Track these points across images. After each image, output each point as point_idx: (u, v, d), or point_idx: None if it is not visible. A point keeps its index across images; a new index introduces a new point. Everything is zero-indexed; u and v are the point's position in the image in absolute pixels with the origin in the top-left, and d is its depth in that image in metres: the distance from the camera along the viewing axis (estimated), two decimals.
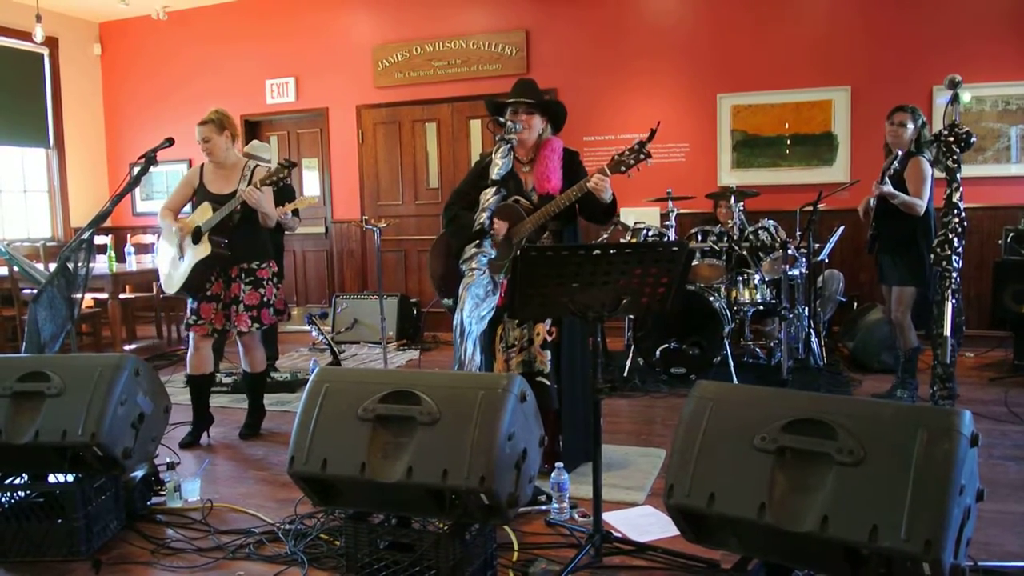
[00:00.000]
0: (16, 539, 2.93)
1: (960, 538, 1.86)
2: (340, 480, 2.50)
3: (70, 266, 3.75)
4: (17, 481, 3.04)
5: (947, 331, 2.60)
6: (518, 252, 2.61)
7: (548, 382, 3.53)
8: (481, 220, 3.36)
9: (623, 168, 3.25)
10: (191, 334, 4.27)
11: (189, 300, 4.25)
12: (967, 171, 6.11)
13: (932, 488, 1.82)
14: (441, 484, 2.35)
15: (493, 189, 3.40)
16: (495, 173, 3.41)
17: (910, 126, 4.49)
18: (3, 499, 2.98)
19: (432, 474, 2.36)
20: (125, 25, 9.01)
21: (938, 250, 2.72)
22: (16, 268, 5.34)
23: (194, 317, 4.21)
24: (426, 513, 2.56)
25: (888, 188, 4.36)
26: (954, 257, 2.67)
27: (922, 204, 4.42)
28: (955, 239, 2.67)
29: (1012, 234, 5.78)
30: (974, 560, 2.51)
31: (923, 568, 1.79)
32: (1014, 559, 2.64)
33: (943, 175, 2.87)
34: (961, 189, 2.75)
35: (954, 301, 2.63)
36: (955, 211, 2.69)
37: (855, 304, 6.34)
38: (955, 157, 2.70)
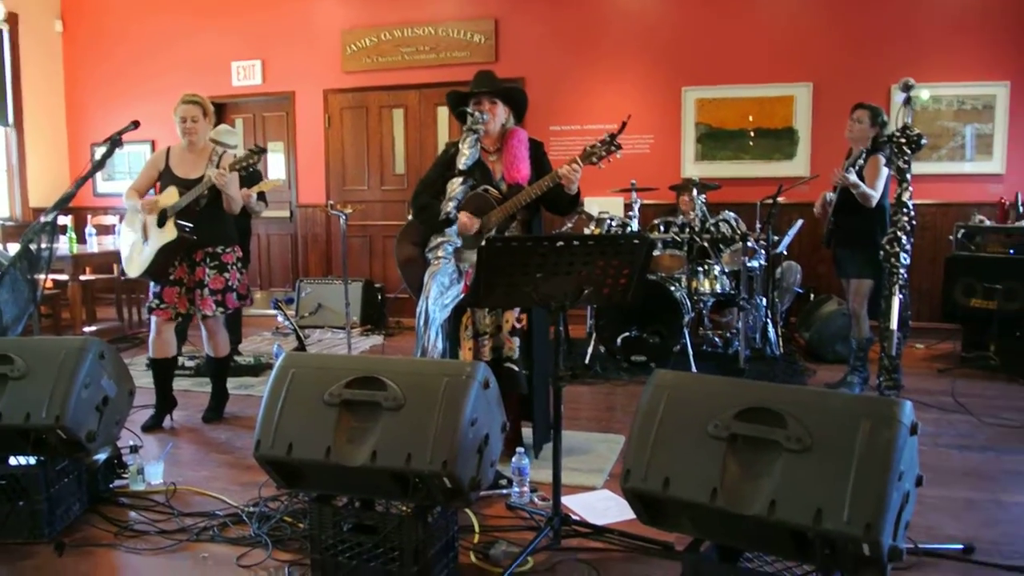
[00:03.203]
0: None
1: (899, 521, 1.95)
2: (305, 464, 2.54)
3: (33, 247, 3.72)
4: None
5: (893, 324, 2.71)
6: (484, 242, 2.66)
7: (516, 368, 3.59)
8: (448, 210, 3.40)
9: (594, 159, 3.32)
10: (153, 318, 4.26)
11: (152, 284, 4.24)
12: (922, 168, 6.33)
13: (873, 474, 1.91)
14: (405, 468, 2.40)
15: (460, 179, 3.44)
16: (462, 163, 3.45)
17: (867, 123, 4.62)
18: None
19: (396, 458, 2.41)
20: (87, 1, 8.85)
21: (887, 247, 2.83)
22: None
23: (157, 301, 4.20)
24: (390, 496, 2.60)
25: (853, 177, 4.48)
26: (902, 254, 2.78)
27: (875, 196, 4.55)
28: (904, 237, 2.78)
29: (963, 230, 5.95)
30: (914, 542, 2.63)
31: (863, 549, 1.88)
32: (955, 542, 2.76)
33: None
34: (911, 189, 2.85)
35: (901, 296, 2.74)
36: (904, 210, 2.79)
37: (812, 295, 6.48)
38: (906, 158, 2.80)
